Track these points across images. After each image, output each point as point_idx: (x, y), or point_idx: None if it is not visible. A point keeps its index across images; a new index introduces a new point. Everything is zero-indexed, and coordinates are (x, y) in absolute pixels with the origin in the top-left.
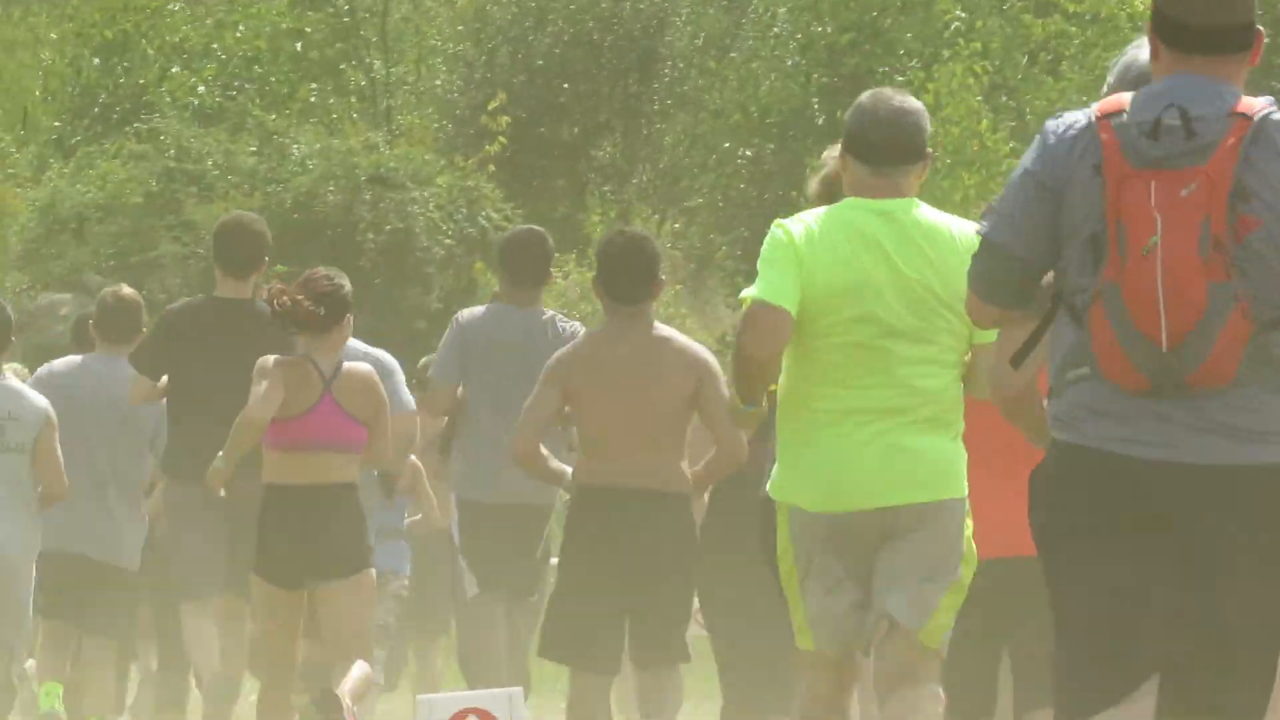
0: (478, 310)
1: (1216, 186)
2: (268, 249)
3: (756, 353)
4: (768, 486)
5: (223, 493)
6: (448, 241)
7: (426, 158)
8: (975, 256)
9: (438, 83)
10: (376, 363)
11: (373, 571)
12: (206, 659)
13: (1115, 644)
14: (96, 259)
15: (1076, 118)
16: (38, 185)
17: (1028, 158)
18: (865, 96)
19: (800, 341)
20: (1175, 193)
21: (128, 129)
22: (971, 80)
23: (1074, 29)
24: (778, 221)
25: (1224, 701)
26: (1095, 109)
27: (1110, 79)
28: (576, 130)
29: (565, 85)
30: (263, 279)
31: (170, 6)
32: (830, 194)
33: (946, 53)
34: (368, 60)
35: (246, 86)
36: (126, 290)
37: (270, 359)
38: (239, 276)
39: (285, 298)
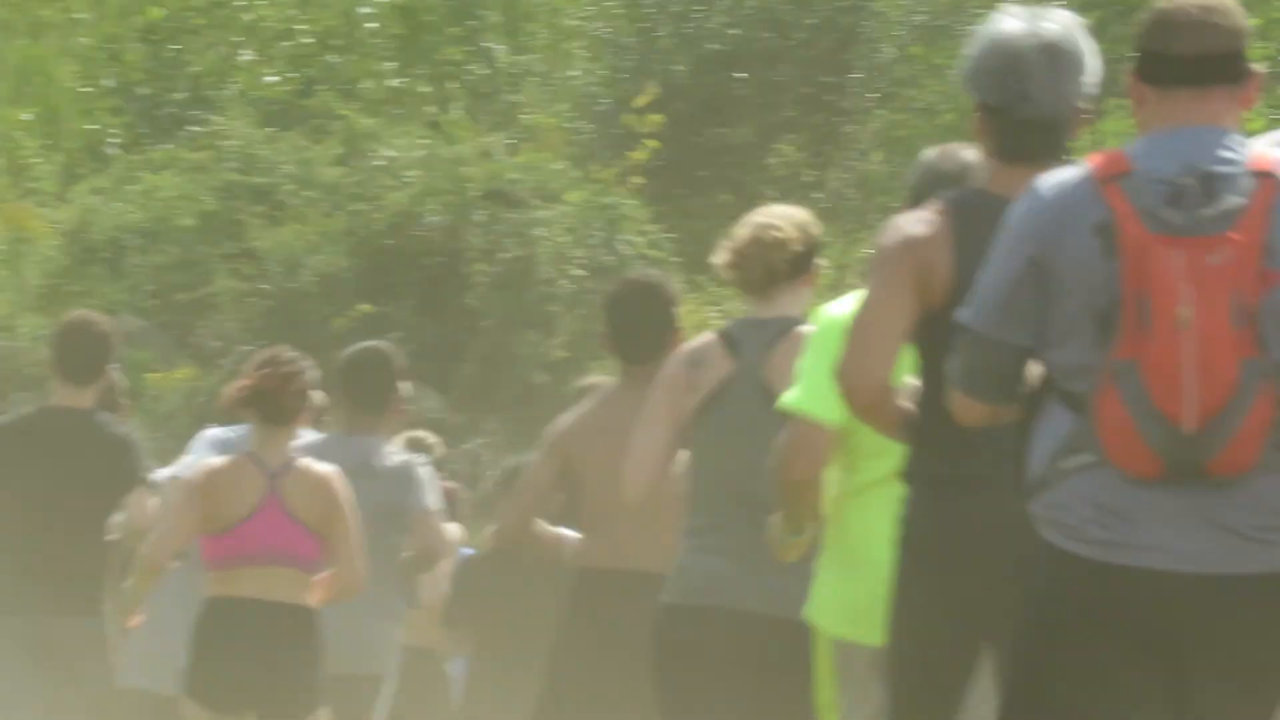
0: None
1: (1247, 253)
2: (112, 354)
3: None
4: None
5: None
6: (578, 273)
7: (556, 167)
8: (958, 350)
9: (575, 73)
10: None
11: (324, 714)
12: None
13: None
14: (135, 297)
15: (1068, 178)
16: (64, 204)
17: (1015, 229)
18: None
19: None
20: (1203, 261)
21: (180, 132)
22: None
23: None
24: None
25: None
26: (1090, 168)
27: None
28: (750, 131)
29: (738, 75)
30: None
31: None
32: None
33: None
34: (485, 45)
35: (330, 78)
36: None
37: (194, 471)
38: (78, 383)
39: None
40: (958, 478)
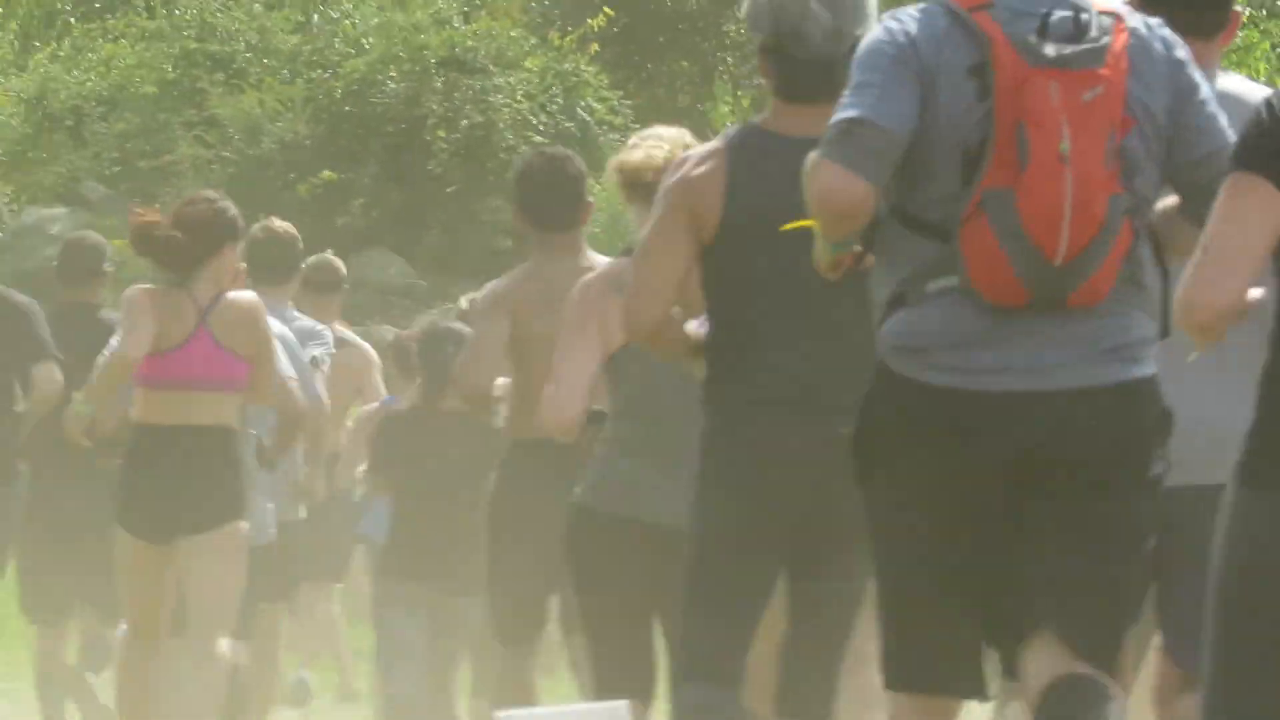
0: None
1: (1115, 91)
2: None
3: None
4: None
5: (85, 441)
6: (538, 140)
7: (513, 34)
8: (846, 134)
9: None
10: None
11: (244, 525)
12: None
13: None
14: (98, 164)
15: (933, 14)
16: (23, 73)
17: (886, 43)
18: None
19: None
20: (1078, 96)
21: (131, 3)
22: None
23: None
24: None
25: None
26: (950, 3)
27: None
28: None
29: None
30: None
31: None
32: None
33: None
34: None
35: None
36: (279, 224)
37: (137, 289)
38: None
39: (150, 228)
40: (754, 401)
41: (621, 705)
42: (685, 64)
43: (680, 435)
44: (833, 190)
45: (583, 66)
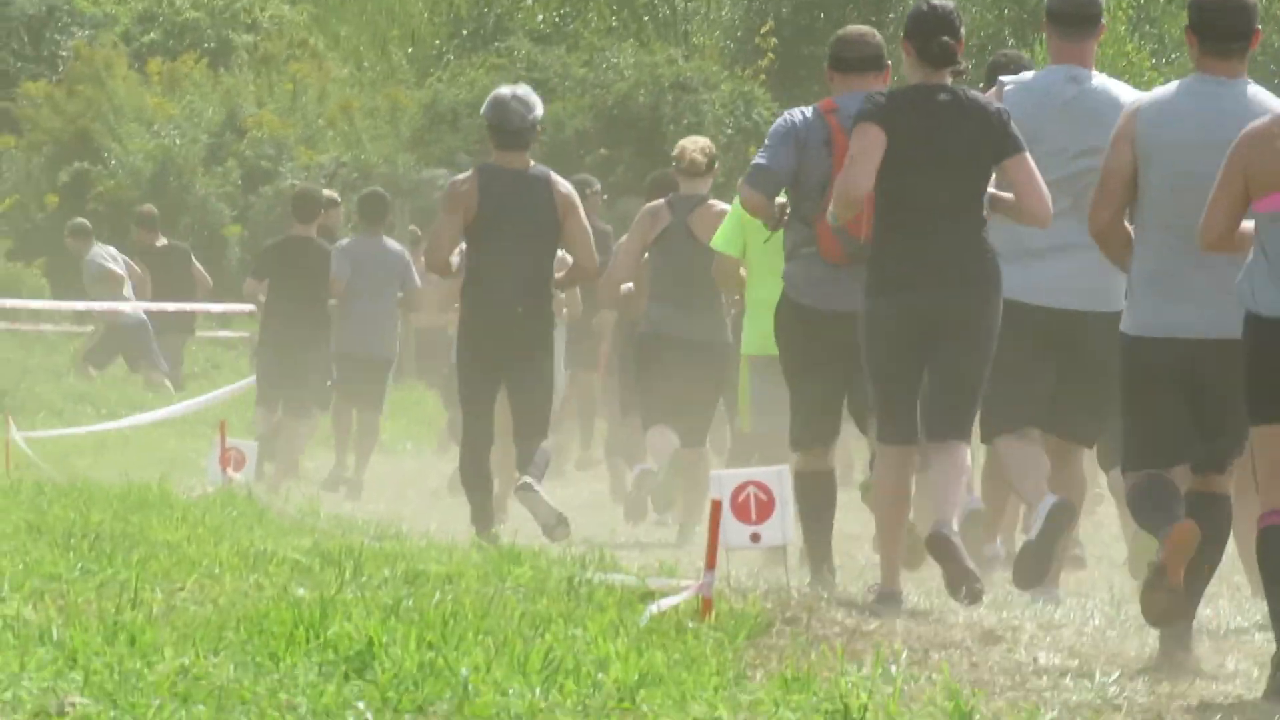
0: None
1: None
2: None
3: None
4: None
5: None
6: (729, 132)
7: (714, 69)
8: (750, 174)
9: (723, 12)
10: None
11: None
12: None
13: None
14: (466, 144)
15: (806, 111)
16: (423, 88)
17: (783, 123)
18: None
19: None
20: None
21: (489, 48)
22: (1119, 13)
23: None
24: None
25: None
26: (818, 107)
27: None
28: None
29: (821, 14)
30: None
31: None
32: None
33: None
34: None
35: (577, 14)
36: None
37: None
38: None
39: None
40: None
41: (784, 469)
42: (817, 88)
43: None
44: (746, 199)
45: (755, 89)
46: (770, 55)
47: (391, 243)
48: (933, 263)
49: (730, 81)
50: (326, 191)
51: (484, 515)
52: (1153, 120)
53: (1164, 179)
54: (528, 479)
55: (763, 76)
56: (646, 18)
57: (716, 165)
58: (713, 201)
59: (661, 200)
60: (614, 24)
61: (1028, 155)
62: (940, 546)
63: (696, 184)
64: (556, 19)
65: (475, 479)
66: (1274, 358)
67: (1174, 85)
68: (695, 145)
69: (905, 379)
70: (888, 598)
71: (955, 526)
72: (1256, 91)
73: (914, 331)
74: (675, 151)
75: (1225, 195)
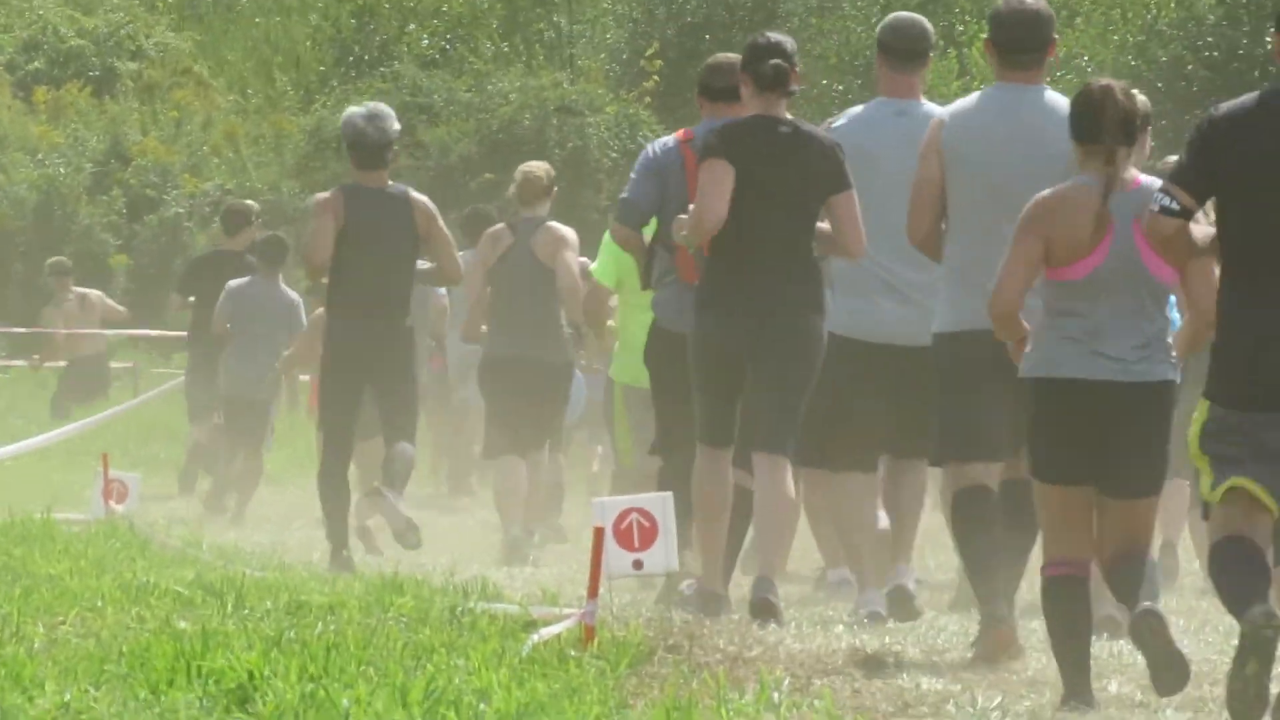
0: None
1: None
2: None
3: None
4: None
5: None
6: (614, 155)
7: (599, 92)
8: (619, 206)
9: (608, 36)
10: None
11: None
12: None
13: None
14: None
15: (667, 141)
16: (308, 114)
17: (647, 155)
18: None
19: None
20: None
21: (375, 72)
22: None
23: None
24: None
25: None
26: (677, 137)
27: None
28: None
29: (706, 36)
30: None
31: None
32: None
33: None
34: (555, 19)
35: (463, 40)
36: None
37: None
38: (230, 233)
39: None
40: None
41: (668, 496)
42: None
43: None
44: (614, 233)
45: (641, 112)
46: (655, 78)
47: (286, 290)
48: (758, 288)
49: (615, 104)
50: (252, 202)
51: (339, 532)
52: (957, 129)
53: (970, 182)
54: (378, 484)
55: (648, 99)
56: (537, 43)
57: (555, 190)
58: (551, 224)
59: (502, 224)
60: (504, 48)
61: (854, 193)
62: (761, 608)
63: (536, 207)
64: (444, 44)
65: (330, 490)
66: (1053, 419)
67: (975, 95)
68: (536, 168)
69: (725, 393)
70: (709, 598)
71: (775, 581)
72: (1053, 97)
73: (735, 349)
74: (516, 176)
75: (1022, 262)
